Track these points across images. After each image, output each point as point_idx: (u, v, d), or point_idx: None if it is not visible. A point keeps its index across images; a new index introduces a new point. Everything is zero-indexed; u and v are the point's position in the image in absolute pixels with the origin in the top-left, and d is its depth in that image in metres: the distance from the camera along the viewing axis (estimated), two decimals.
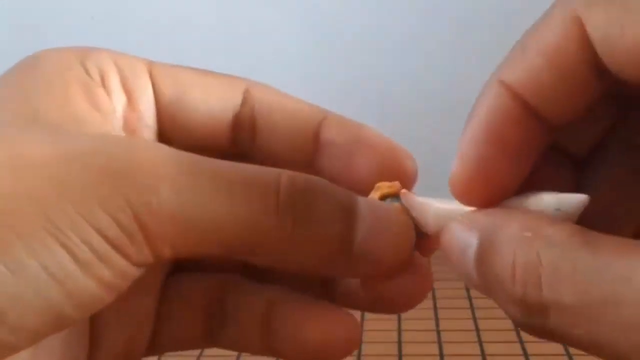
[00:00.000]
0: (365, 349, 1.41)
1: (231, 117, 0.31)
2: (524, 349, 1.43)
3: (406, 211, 0.28)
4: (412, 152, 0.31)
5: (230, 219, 0.25)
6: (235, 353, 1.17)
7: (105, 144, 0.26)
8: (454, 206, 0.27)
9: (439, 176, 0.30)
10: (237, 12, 2.12)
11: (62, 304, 0.24)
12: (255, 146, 0.32)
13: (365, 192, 0.29)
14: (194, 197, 0.25)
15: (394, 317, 1.49)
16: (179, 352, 0.33)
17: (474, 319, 1.56)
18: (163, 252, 0.25)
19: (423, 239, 0.29)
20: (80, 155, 0.25)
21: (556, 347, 1.43)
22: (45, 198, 0.24)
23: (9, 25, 2.12)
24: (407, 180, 0.30)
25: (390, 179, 0.29)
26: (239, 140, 0.31)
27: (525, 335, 1.48)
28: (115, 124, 0.30)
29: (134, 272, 0.25)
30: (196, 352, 1.33)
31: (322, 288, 0.32)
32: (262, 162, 0.28)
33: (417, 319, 1.52)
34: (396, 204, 0.29)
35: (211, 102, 0.31)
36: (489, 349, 1.45)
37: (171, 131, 0.31)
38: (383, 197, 0.29)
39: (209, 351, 0.45)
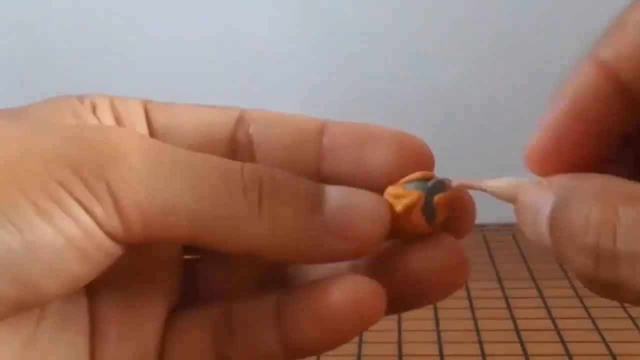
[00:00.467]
0: (365, 349, 1.41)
1: (226, 137, 0.31)
2: (524, 349, 1.43)
3: (423, 200, 0.28)
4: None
5: (196, 199, 0.26)
6: None
7: (79, 126, 0.28)
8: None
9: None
10: (237, 12, 2.13)
11: (24, 259, 0.25)
12: (255, 163, 0.31)
13: (381, 189, 0.29)
14: (161, 171, 0.26)
15: (394, 317, 1.48)
16: None
17: (474, 319, 1.56)
18: (132, 223, 0.26)
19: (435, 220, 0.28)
20: (55, 128, 0.27)
21: (556, 347, 1.43)
22: (10, 156, 0.25)
23: (9, 23, 2.13)
24: (426, 165, 0.30)
25: (407, 168, 0.29)
26: (238, 159, 0.31)
27: (525, 335, 1.48)
28: None
29: (107, 242, 0.26)
30: None
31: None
32: None
33: (417, 319, 1.52)
34: (414, 191, 0.28)
35: (204, 127, 0.31)
36: (489, 349, 1.45)
37: None
38: (406, 183, 0.29)
39: None
